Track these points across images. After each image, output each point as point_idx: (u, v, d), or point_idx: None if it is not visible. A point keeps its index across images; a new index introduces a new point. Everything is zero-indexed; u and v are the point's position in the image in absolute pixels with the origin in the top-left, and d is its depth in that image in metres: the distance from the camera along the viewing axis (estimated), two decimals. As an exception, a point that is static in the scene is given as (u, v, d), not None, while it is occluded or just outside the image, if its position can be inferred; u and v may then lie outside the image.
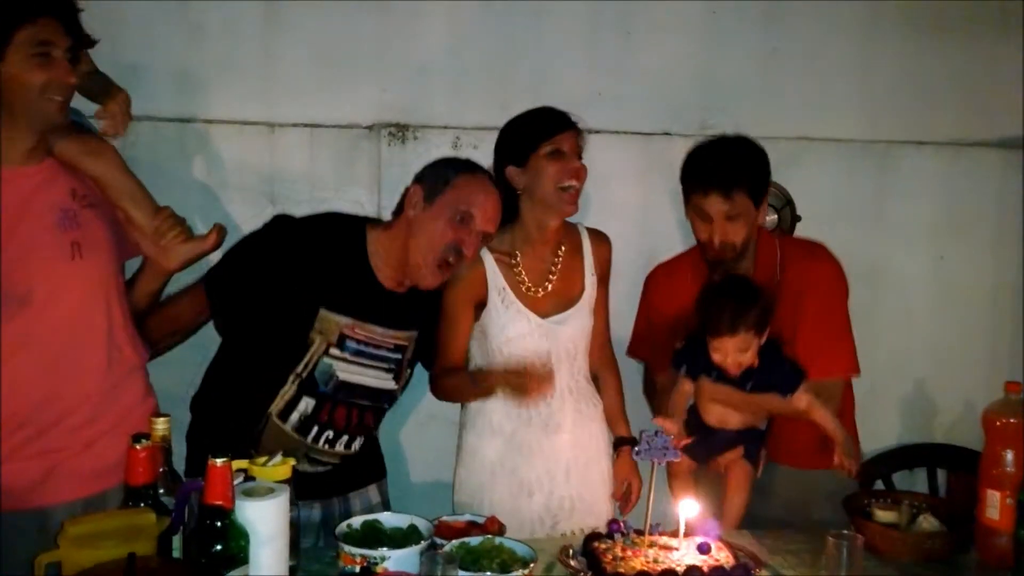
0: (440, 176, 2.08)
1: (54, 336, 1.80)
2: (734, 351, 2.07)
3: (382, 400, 2.15)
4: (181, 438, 2.06)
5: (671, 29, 2.76)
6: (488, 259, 2.24)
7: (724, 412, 2.20)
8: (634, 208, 2.75)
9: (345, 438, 2.11)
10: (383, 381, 2.12)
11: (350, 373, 2.06)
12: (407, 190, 2.10)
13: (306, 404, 2.04)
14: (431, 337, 2.24)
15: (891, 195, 2.93)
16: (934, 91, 2.92)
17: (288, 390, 2.03)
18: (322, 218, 2.17)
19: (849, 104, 2.89)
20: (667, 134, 2.80)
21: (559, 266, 2.29)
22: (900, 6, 2.88)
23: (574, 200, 2.21)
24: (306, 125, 2.56)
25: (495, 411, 2.26)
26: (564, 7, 2.70)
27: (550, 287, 2.27)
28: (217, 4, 2.51)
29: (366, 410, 2.12)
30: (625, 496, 2.37)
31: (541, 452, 2.26)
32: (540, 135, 2.19)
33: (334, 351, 2.03)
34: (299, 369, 2.02)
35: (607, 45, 2.74)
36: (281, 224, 2.10)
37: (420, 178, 2.11)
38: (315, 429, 2.06)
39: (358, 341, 2.05)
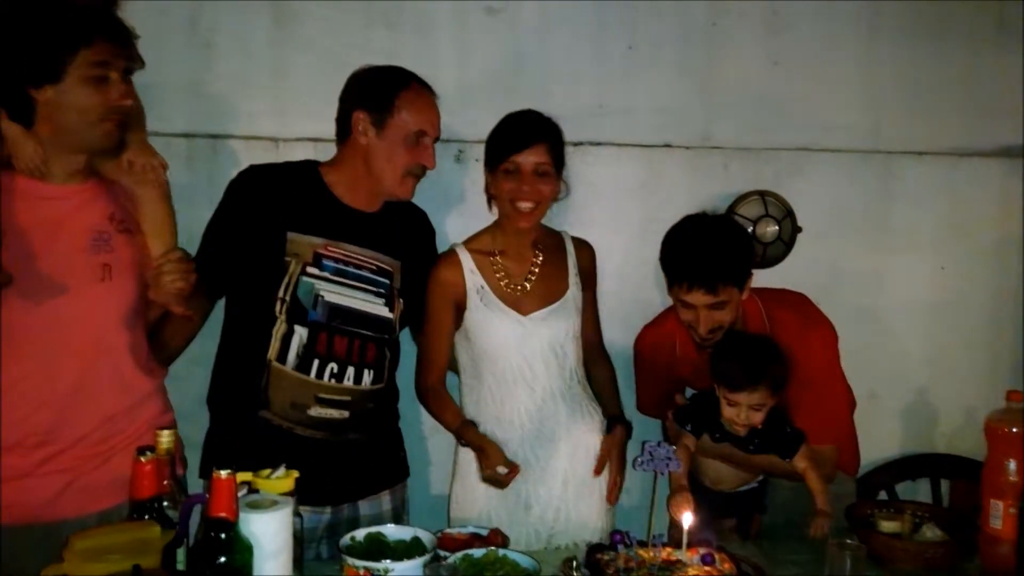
0: (382, 100, 2.12)
1: (78, 356, 1.81)
2: (749, 408, 2.06)
3: (380, 330, 2.16)
4: (189, 452, 2.07)
5: (673, 42, 2.77)
6: (466, 259, 2.28)
7: (721, 470, 2.22)
8: (636, 219, 2.76)
9: (351, 370, 2.11)
10: (375, 307, 2.14)
11: (337, 295, 2.09)
12: (346, 115, 2.15)
13: (300, 335, 2.06)
14: (417, 271, 2.26)
15: (892, 205, 2.93)
16: (935, 101, 2.93)
17: (279, 327, 2.05)
18: (279, 163, 2.27)
19: (850, 114, 2.89)
20: (668, 146, 2.81)
21: (539, 263, 2.31)
22: (901, 17, 2.88)
23: (528, 219, 2.24)
24: (310, 139, 2.57)
25: (487, 422, 2.27)
26: (568, 21, 2.71)
27: (529, 285, 2.29)
28: (227, 21, 2.53)
29: (367, 340, 2.13)
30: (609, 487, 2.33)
31: (537, 463, 2.26)
32: (500, 151, 2.23)
33: (311, 270, 2.07)
34: (281, 292, 2.05)
35: (610, 58, 2.75)
36: (246, 169, 2.21)
37: (358, 101, 2.14)
38: (316, 363, 2.07)
39: (335, 260, 2.10)
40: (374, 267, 2.15)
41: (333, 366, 2.08)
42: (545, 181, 2.22)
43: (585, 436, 2.32)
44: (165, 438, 1.62)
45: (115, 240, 1.86)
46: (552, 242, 2.37)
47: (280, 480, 1.63)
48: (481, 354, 2.26)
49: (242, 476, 1.58)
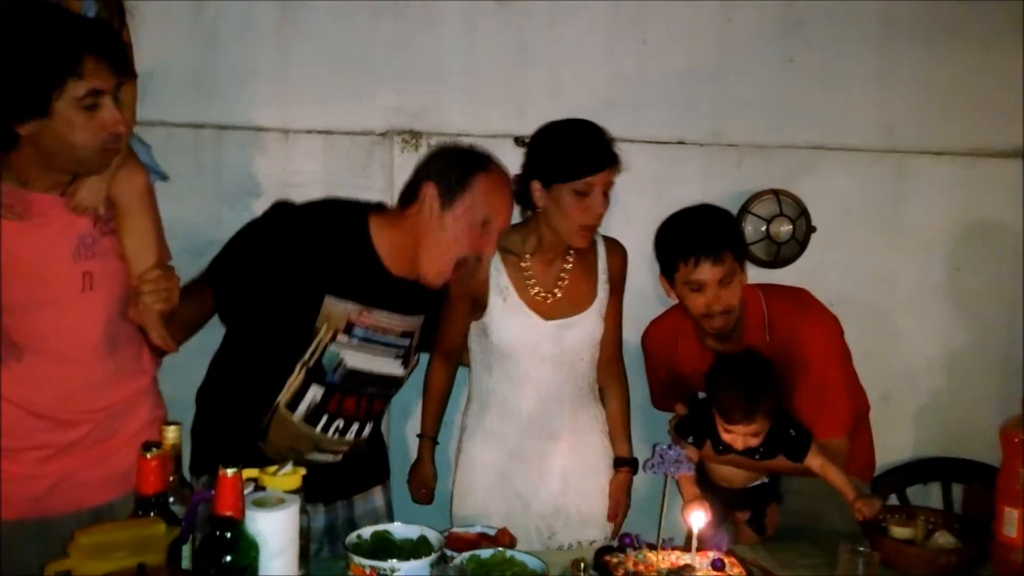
0: (455, 178, 1.98)
1: (64, 364, 1.78)
2: (746, 435, 2.05)
3: (390, 387, 2.12)
4: (187, 439, 2.05)
5: (687, 37, 2.75)
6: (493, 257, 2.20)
7: (729, 471, 2.20)
8: (647, 216, 2.72)
9: (356, 426, 2.07)
10: (392, 367, 2.08)
11: (358, 360, 2.02)
12: (416, 184, 2.01)
13: (314, 394, 2.00)
14: (435, 321, 2.22)
15: (907, 205, 2.91)
16: (951, 101, 2.90)
17: (295, 380, 1.99)
18: (323, 204, 2.11)
19: (865, 113, 2.87)
20: (681, 143, 2.78)
21: (569, 271, 2.25)
22: (916, 16, 2.86)
23: (588, 237, 2.18)
24: (320, 132, 2.55)
25: (491, 415, 2.26)
26: (580, 14, 2.68)
27: (559, 292, 2.24)
28: (232, 10, 2.49)
29: (375, 397, 2.09)
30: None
31: (538, 460, 2.25)
32: (575, 170, 2.11)
33: (341, 338, 1.98)
34: (306, 357, 1.98)
35: (623, 52, 2.72)
36: (282, 210, 2.06)
37: (430, 174, 2.01)
38: (324, 419, 2.02)
39: (365, 328, 2.01)
40: (399, 332, 2.07)
41: (340, 423, 2.04)
42: (606, 202, 2.16)
43: (588, 435, 2.31)
44: (171, 434, 1.60)
45: (99, 245, 1.78)
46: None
47: (287, 477, 1.61)
48: (494, 350, 2.23)
49: (248, 473, 1.56)
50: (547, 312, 2.22)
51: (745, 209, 2.75)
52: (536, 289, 2.22)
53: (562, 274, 2.25)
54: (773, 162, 2.83)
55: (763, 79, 2.80)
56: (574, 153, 2.13)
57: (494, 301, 2.20)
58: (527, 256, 2.23)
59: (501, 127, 2.65)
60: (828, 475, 2.06)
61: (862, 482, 2.36)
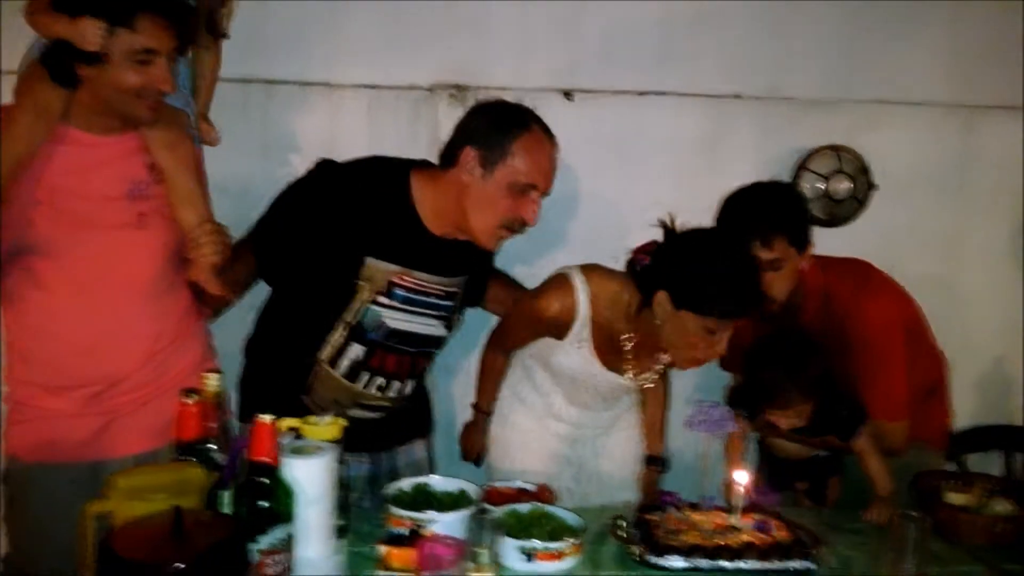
0: (496, 142, 1.94)
1: (115, 303, 1.83)
2: (789, 418, 2.02)
3: (432, 346, 2.12)
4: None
5: (744, -14, 2.65)
6: (583, 311, 2.04)
7: (784, 442, 2.19)
8: (702, 172, 2.66)
9: (397, 384, 2.08)
10: (434, 328, 2.08)
11: (400, 321, 2.02)
12: (456, 145, 1.98)
13: (356, 351, 2.01)
14: (482, 278, 2.19)
15: (975, 163, 2.78)
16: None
17: (336, 337, 2.01)
18: (366, 163, 2.07)
19: (933, 65, 2.74)
20: (737, 96, 2.70)
21: (654, 363, 2.16)
22: (991, -39, 2.71)
23: (696, 366, 2.06)
24: (366, 86, 2.53)
25: (533, 392, 2.24)
26: (632, -37, 2.61)
27: (638, 362, 2.13)
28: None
29: (417, 356, 2.09)
30: None
31: (578, 432, 2.25)
32: (718, 310, 1.87)
33: (382, 299, 1.99)
34: (347, 317, 1.99)
35: (677, 3, 2.63)
36: (326, 169, 2.04)
37: (471, 138, 1.97)
38: (366, 376, 2.04)
39: (407, 289, 2.00)
40: (442, 293, 2.06)
41: (381, 380, 2.05)
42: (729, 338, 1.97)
43: (625, 415, 2.31)
44: (212, 381, 1.62)
45: (153, 190, 1.85)
46: None
47: (326, 427, 1.62)
48: (549, 368, 2.19)
49: (289, 422, 1.58)
50: (616, 369, 2.14)
51: (802, 165, 2.67)
52: (612, 357, 2.12)
53: (656, 358, 2.15)
54: (834, 117, 2.73)
55: (825, 29, 2.69)
56: (726, 291, 1.87)
57: (569, 343, 2.09)
58: (627, 340, 2.09)
59: (549, 81, 2.60)
60: (867, 464, 2.03)
61: (936, 451, 2.30)
